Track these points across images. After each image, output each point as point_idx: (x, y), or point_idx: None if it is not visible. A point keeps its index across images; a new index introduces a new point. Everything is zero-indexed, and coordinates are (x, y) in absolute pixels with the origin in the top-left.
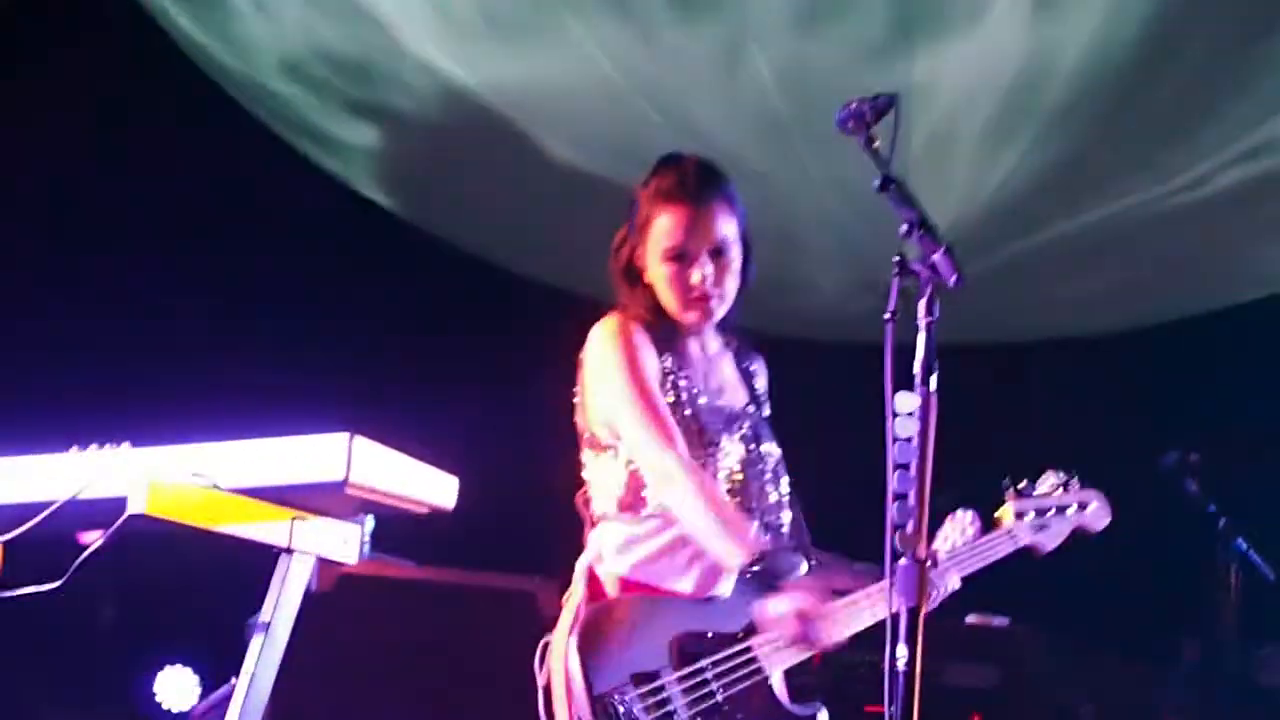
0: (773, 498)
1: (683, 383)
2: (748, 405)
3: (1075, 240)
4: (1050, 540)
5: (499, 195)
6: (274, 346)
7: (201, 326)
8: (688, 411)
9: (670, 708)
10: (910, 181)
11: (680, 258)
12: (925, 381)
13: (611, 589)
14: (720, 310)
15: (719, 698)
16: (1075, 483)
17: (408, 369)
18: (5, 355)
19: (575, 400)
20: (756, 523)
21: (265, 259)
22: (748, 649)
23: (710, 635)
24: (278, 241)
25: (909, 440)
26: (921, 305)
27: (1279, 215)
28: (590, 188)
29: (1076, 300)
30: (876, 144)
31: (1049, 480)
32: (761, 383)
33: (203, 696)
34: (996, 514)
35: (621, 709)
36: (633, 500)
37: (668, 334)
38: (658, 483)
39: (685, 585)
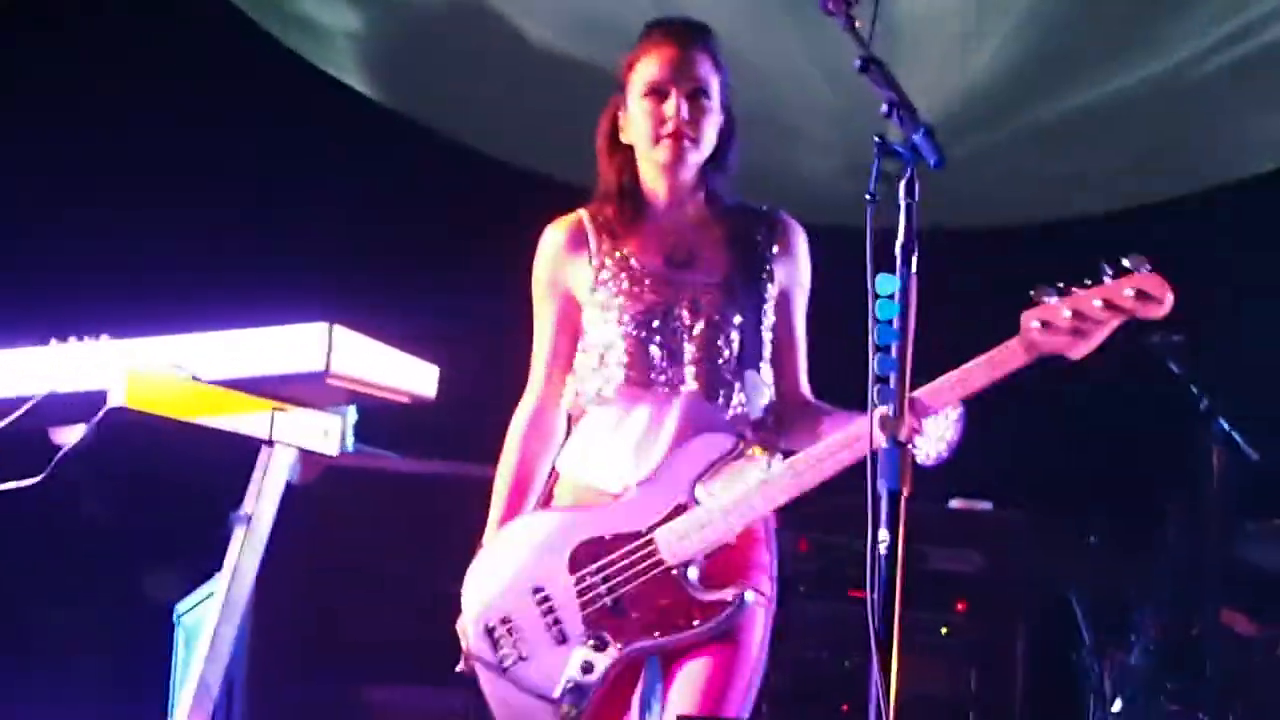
0: (691, 364)
1: (613, 258)
2: (726, 272)
3: (1061, 121)
4: (1086, 342)
5: (480, 80)
6: (252, 236)
7: (178, 216)
8: (623, 284)
9: (557, 615)
10: (891, 62)
11: (657, 93)
12: (906, 263)
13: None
14: (693, 154)
15: (606, 599)
16: (1136, 264)
17: (388, 258)
18: None
19: None
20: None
21: (243, 147)
22: (648, 542)
23: (607, 538)
24: (255, 129)
25: (890, 322)
26: (902, 186)
27: (1268, 91)
28: (573, 72)
29: (1061, 181)
30: (858, 24)
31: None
32: (775, 247)
33: (188, 591)
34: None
35: (499, 634)
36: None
37: (629, 211)
38: None
39: (600, 479)
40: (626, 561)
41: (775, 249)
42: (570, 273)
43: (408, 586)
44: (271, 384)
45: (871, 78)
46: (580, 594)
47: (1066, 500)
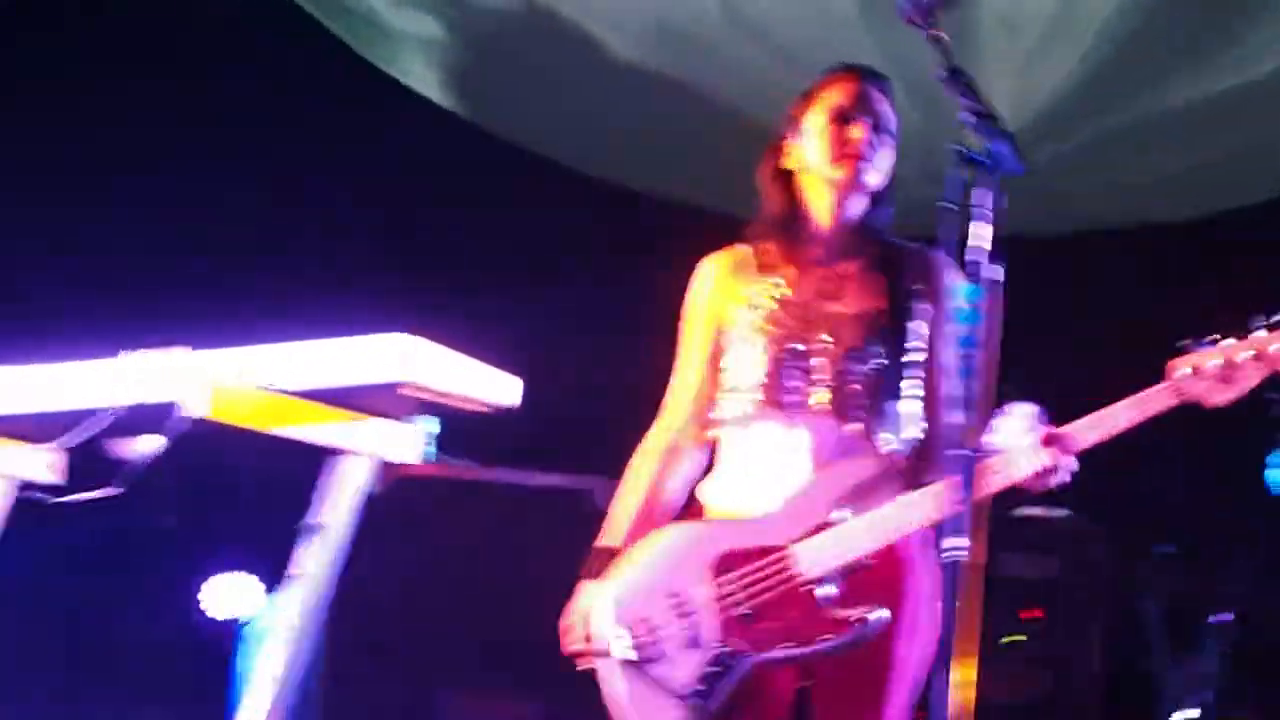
0: (822, 395)
1: (766, 288)
2: (870, 306)
3: (1142, 126)
4: (1230, 390)
5: (556, 90)
6: (330, 247)
7: (253, 227)
8: (772, 312)
9: (693, 619)
10: (972, 70)
11: (842, 118)
12: (984, 272)
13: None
14: (870, 176)
15: (743, 608)
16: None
17: (470, 270)
18: (56, 260)
19: None
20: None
21: (319, 157)
22: (787, 555)
23: (749, 550)
24: (332, 141)
25: (970, 331)
26: (980, 194)
27: None
28: (650, 85)
29: (1146, 187)
30: (939, 33)
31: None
32: (922, 285)
33: (260, 601)
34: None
35: (645, 625)
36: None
37: (790, 239)
38: None
39: (741, 505)
40: (765, 573)
41: (922, 285)
42: (724, 304)
43: (485, 596)
44: (348, 394)
45: (952, 86)
46: (718, 600)
47: (1143, 506)
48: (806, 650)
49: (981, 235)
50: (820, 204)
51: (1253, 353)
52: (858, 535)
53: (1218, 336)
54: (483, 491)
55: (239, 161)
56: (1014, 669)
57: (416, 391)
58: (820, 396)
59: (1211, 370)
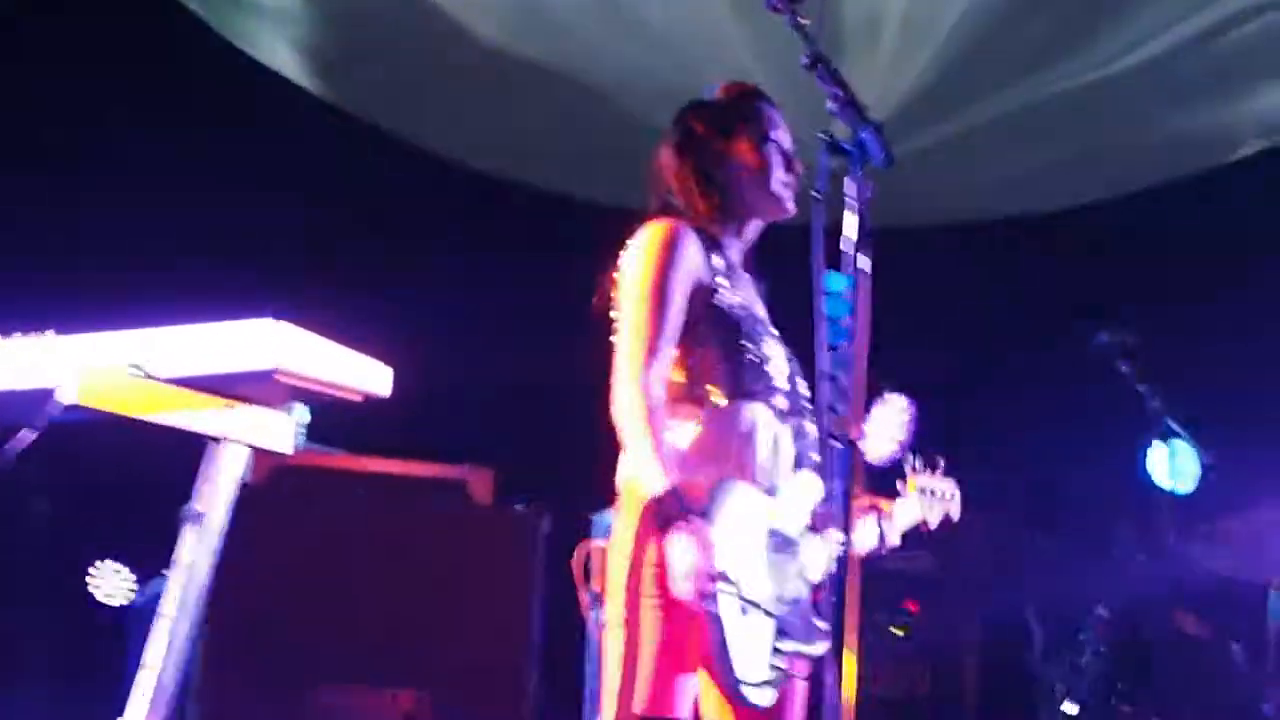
0: (803, 406)
1: (726, 283)
2: (769, 315)
3: (1007, 118)
4: (930, 520)
5: (423, 76)
6: (203, 234)
7: (125, 214)
8: (738, 310)
9: (750, 599)
10: (837, 60)
11: (779, 145)
12: (856, 262)
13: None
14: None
15: (805, 597)
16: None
17: (340, 258)
18: None
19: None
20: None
21: (189, 143)
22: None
23: (788, 536)
24: (205, 126)
25: (839, 321)
26: (850, 184)
27: (1199, 90)
28: (520, 72)
29: (1009, 179)
30: (804, 21)
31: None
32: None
33: (138, 590)
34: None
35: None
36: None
37: (723, 238)
38: (615, 402)
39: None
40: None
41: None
42: (705, 278)
43: (362, 585)
44: (222, 381)
45: (819, 75)
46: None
47: (1019, 502)
48: (809, 649)
49: (851, 225)
50: (742, 210)
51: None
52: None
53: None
54: (357, 481)
55: (112, 143)
56: (892, 663)
57: (289, 379)
58: (798, 406)
59: (930, 498)
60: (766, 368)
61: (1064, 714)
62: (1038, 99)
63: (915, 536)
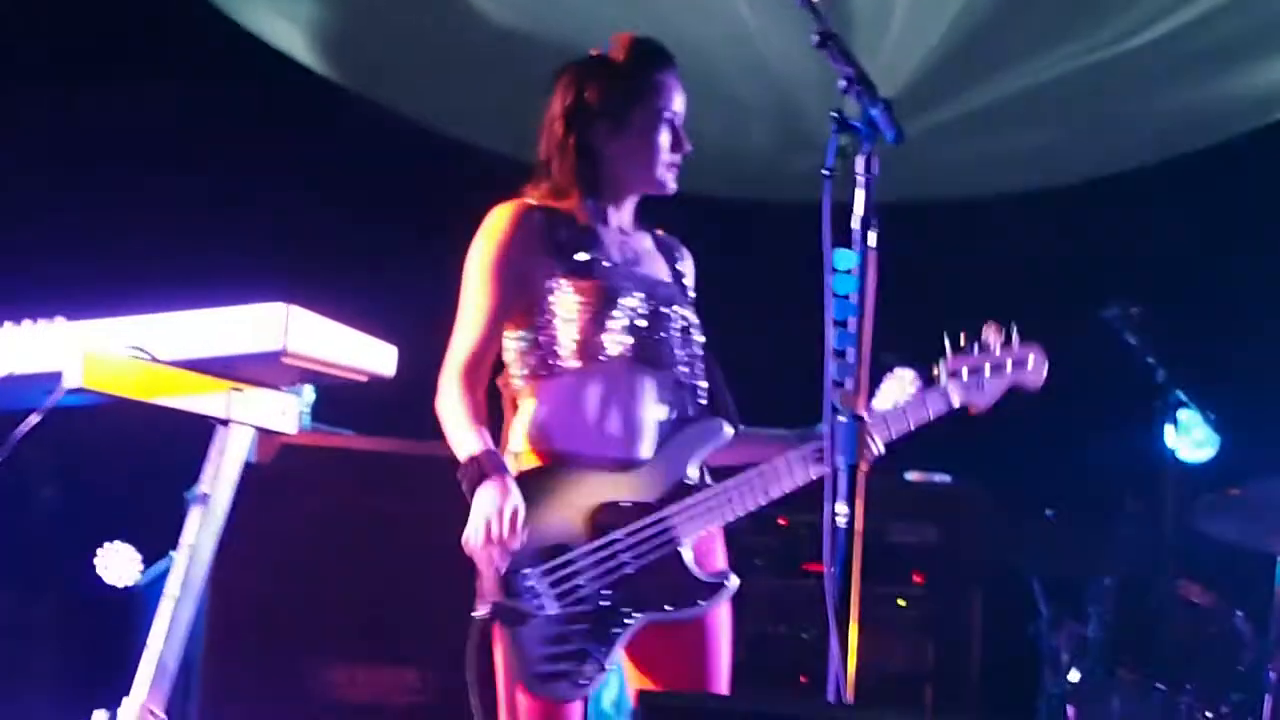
0: (681, 355)
1: (581, 256)
2: (668, 279)
3: (1015, 95)
4: (984, 398)
5: (429, 56)
6: (208, 216)
7: (133, 198)
8: (589, 274)
9: (578, 581)
10: (847, 36)
11: (672, 124)
12: (864, 238)
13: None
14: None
15: (630, 569)
16: (1015, 338)
17: (345, 238)
18: None
19: None
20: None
21: (199, 128)
22: (663, 518)
23: (627, 505)
24: (211, 108)
25: (847, 297)
26: (860, 161)
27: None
28: (525, 48)
29: (1018, 155)
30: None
31: (988, 336)
32: (687, 272)
33: (144, 571)
34: (934, 372)
35: (527, 584)
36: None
37: (588, 210)
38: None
39: (603, 448)
40: (645, 533)
41: (686, 273)
42: (546, 254)
43: (366, 564)
44: (228, 364)
45: (828, 52)
46: (601, 558)
47: (1023, 472)
48: (686, 612)
49: (860, 202)
50: (621, 186)
51: (992, 366)
52: (723, 503)
53: (961, 343)
54: (362, 460)
55: (118, 126)
56: (896, 636)
57: (296, 360)
58: (695, 372)
59: (970, 379)
60: (627, 332)
61: (1068, 683)
62: (1046, 77)
63: (922, 507)
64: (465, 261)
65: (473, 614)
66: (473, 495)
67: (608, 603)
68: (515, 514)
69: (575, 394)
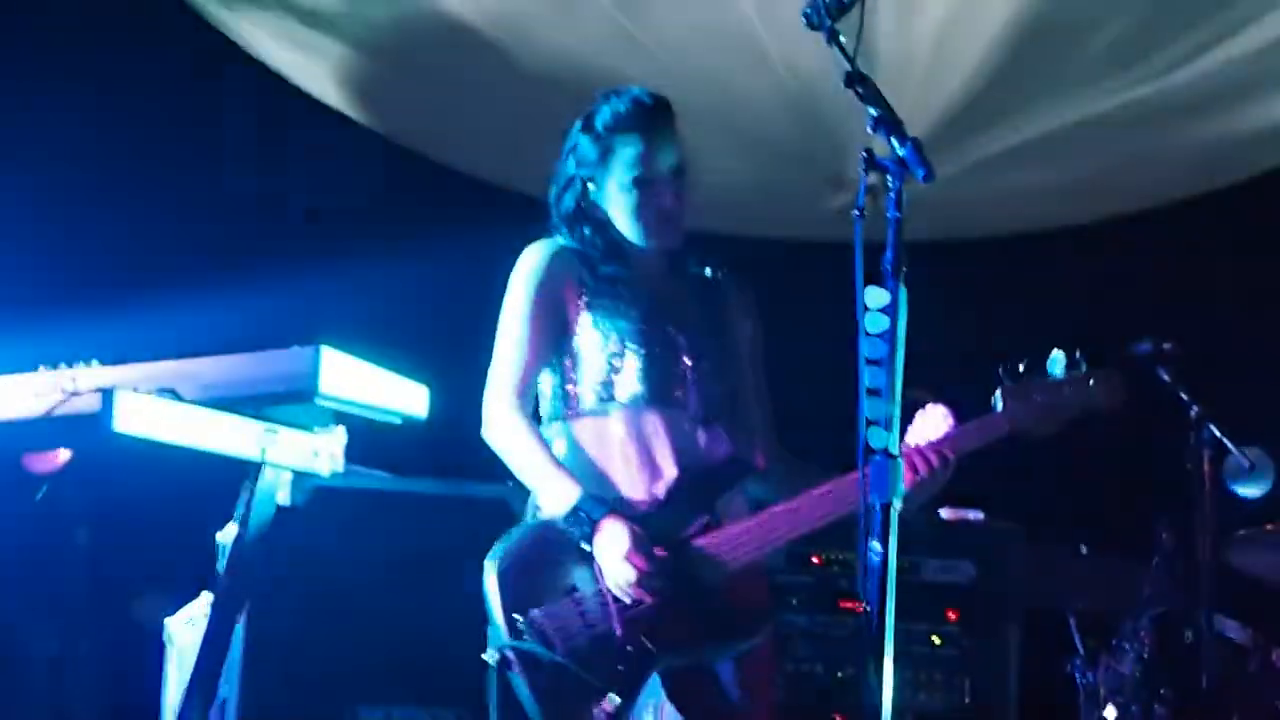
0: (703, 396)
1: (603, 299)
2: (696, 321)
3: (1046, 134)
4: (1044, 426)
5: (464, 102)
6: (240, 260)
7: (162, 244)
8: (609, 315)
9: (591, 621)
10: (876, 76)
11: (648, 183)
12: (895, 277)
13: None
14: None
15: (649, 610)
16: (1080, 364)
17: (377, 279)
18: None
19: None
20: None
21: (227, 173)
22: (681, 558)
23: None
24: (240, 153)
25: (880, 336)
26: (890, 200)
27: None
28: (557, 94)
29: (1049, 192)
30: (841, 38)
31: (1056, 361)
32: (737, 310)
33: (176, 612)
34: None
35: (537, 627)
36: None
37: (611, 254)
38: (485, 423)
39: (623, 489)
40: (663, 574)
41: (729, 309)
42: (574, 293)
43: (400, 606)
44: (261, 406)
45: (856, 92)
46: (615, 599)
47: (1058, 509)
48: (723, 647)
49: (891, 241)
50: (644, 239)
51: (1066, 392)
52: (762, 534)
53: (1034, 370)
54: (396, 502)
55: (150, 177)
56: (930, 674)
57: (328, 403)
58: (694, 395)
59: (1038, 405)
60: (644, 375)
61: (1104, 719)
62: (1075, 117)
63: (956, 545)
64: (501, 301)
65: (483, 656)
66: (589, 543)
67: (628, 645)
68: (639, 541)
69: (595, 436)
